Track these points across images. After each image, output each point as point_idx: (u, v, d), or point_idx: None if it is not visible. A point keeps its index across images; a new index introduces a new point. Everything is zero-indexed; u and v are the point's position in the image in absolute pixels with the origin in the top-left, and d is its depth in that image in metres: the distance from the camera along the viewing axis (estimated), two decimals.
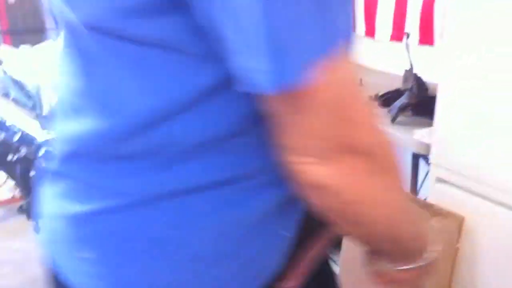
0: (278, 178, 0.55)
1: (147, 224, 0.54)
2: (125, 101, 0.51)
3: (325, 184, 0.49)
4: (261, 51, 0.43)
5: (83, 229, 0.55)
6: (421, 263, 0.67)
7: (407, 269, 0.68)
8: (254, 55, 0.44)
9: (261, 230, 0.58)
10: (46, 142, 1.19)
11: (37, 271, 1.61)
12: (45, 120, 1.16)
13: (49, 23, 2.94)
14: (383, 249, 0.64)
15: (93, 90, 0.53)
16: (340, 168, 0.49)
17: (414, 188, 1.43)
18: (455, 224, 1.39)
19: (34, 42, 1.54)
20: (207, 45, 0.48)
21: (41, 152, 1.19)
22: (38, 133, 1.22)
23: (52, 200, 0.59)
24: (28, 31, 2.77)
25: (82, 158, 0.55)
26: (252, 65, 0.44)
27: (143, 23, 0.48)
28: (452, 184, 1.45)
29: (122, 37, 0.49)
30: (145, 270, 0.55)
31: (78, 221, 0.56)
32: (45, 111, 1.17)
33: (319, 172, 0.48)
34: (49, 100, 1.16)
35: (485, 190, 1.42)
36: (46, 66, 1.26)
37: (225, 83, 0.49)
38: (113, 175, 0.54)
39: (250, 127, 0.53)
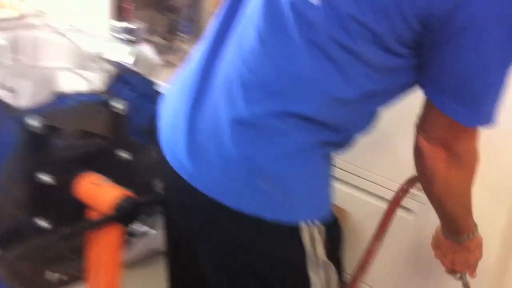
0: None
1: (311, 164, 0.88)
2: (331, 88, 0.82)
3: (422, 151, 0.88)
4: (471, 101, 0.80)
5: (272, 166, 0.84)
6: (462, 240, 1.05)
7: (452, 240, 1.07)
8: (464, 100, 0.80)
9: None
10: None
11: None
12: None
13: None
14: (441, 214, 1.02)
15: (313, 76, 0.81)
16: (433, 149, 0.86)
17: None
18: None
19: None
20: (410, 73, 0.84)
21: None
22: None
23: (238, 147, 0.84)
24: None
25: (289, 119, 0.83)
26: (457, 104, 0.80)
27: (386, 56, 0.80)
28: (340, 180, 1.54)
29: (354, 54, 0.79)
30: (304, 188, 0.88)
31: (273, 160, 0.84)
32: None
33: (423, 144, 0.87)
34: None
35: (368, 185, 1.51)
36: None
37: (394, 90, 0.88)
38: (299, 130, 0.84)
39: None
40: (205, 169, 0.87)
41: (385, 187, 1.47)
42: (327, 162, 0.93)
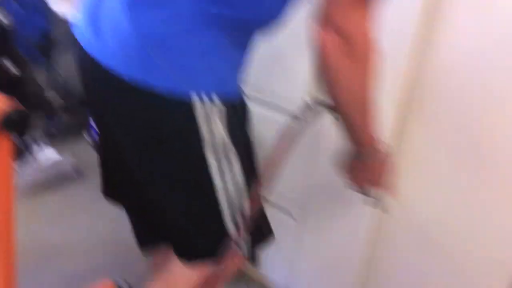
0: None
1: (206, 39, 0.87)
2: None
3: (316, 40, 0.83)
4: None
5: (162, 38, 0.86)
6: (364, 157, 0.98)
7: (356, 159, 1.00)
8: None
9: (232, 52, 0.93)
10: None
11: None
12: None
13: None
14: (341, 120, 0.94)
15: None
16: (324, 34, 0.81)
17: None
18: None
19: None
20: None
21: None
22: None
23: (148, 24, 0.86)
24: None
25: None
26: None
27: None
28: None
29: None
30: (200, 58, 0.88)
31: (163, 32, 0.86)
32: None
33: (315, 33, 0.82)
34: None
35: (267, 99, 1.56)
36: None
37: None
38: (188, 1, 0.85)
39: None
40: (105, 42, 0.90)
41: (284, 101, 1.52)
42: (234, 44, 0.92)
